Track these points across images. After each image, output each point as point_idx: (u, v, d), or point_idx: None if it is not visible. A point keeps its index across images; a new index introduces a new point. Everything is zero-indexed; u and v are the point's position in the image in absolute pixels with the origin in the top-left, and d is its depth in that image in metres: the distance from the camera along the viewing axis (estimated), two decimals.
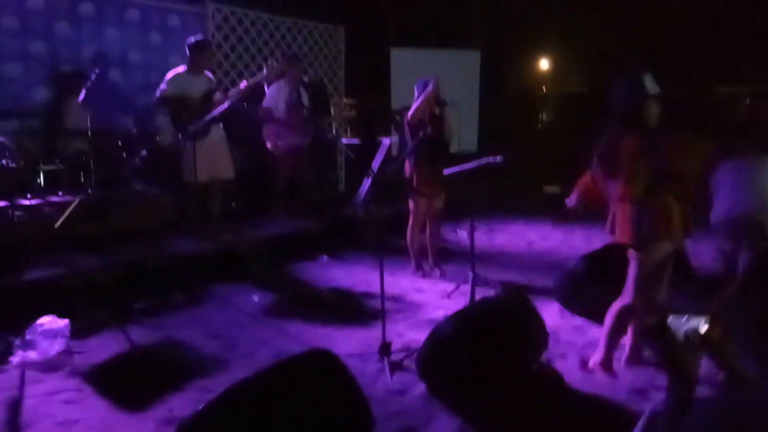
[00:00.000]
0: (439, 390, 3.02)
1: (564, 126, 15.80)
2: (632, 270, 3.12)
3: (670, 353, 1.54)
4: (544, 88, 16.04)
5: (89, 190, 4.78)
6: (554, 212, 7.76)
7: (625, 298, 3.18)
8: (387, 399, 3.12)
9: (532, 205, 8.67)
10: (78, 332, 3.79)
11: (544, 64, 17.86)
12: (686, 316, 1.62)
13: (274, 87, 6.13)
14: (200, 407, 2.24)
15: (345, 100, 9.14)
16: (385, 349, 3.50)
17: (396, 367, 3.46)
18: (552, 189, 9.34)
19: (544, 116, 17.56)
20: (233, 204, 6.39)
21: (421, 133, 4.49)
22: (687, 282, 4.20)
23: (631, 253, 3.11)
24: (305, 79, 7.35)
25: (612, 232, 3.23)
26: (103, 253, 4.45)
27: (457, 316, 3.02)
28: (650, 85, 3.02)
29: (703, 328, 1.62)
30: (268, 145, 6.21)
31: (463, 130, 8.77)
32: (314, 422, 2.35)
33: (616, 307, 3.26)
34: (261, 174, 6.55)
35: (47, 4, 6.08)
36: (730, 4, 12.72)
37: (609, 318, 3.29)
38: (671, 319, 1.64)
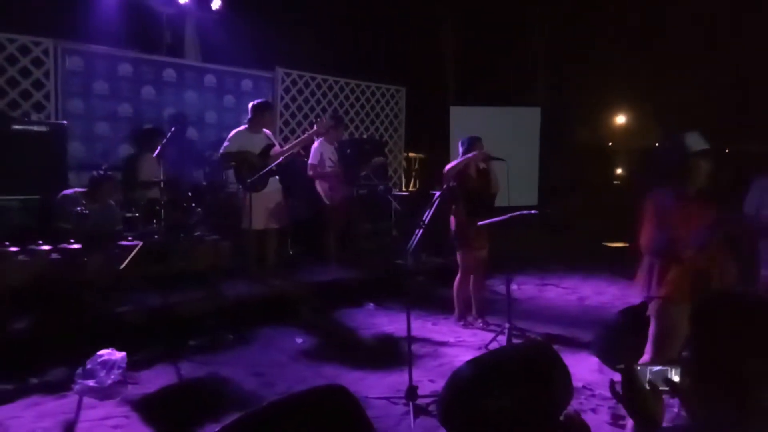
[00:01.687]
0: None
1: (638, 181, 15.42)
2: (651, 327, 3.10)
3: (636, 400, 1.59)
4: (610, 143, 15.85)
5: (155, 236, 5.23)
6: (624, 266, 7.59)
7: (645, 355, 3.14)
8: None
9: (594, 261, 8.47)
10: (134, 365, 4.11)
11: (615, 119, 17.66)
12: (661, 367, 1.65)
13: (317, 144, 6.53)
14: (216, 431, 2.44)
15: (413, 154, 9.47)
16: (411, 393, 3.58)
17: (421, 411, 3.53)
18: (617, 245, 9.11)
19: (619, 171, 17.23)
20: (290, 251, 6.74)
21: (445, 186, 4.65)
22: None
23: (650, 310, 3.09)
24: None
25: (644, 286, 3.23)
26: (164, 294, 4.83)
27: (474, 361, 3.07)
28: (694, 142, 3.00)
29: (675, 376, 1.65)
30: (323, 197, 6.57)
31: (522, 185, 8.88)
32: None
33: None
34: (315, 223, 6.90)
35: (135, 70, 6.86)
36: None
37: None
38: (641, 367, 1.68)
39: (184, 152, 6.50)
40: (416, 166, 10.64)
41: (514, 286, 6.62)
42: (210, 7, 7.81)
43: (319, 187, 6.60)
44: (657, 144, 3.45)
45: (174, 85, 7.19)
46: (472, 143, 5.13)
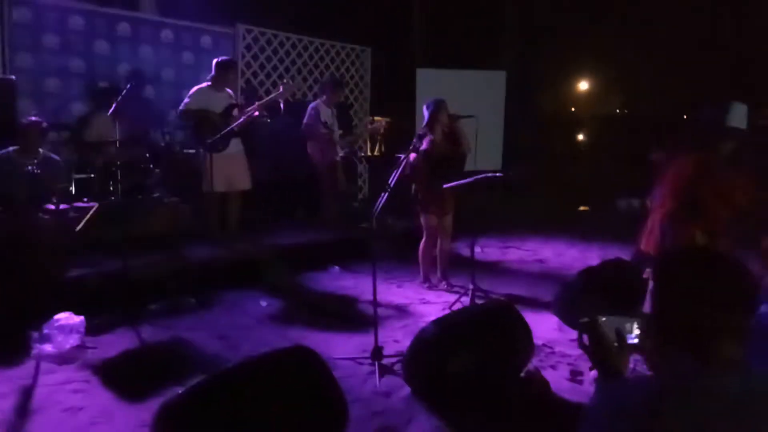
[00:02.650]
0: (421, 391, 3.11)
1: (601, 147, 15.69)
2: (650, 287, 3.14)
3: (600, 351, 1.62)
4: (573, 109, 16.02)
5: (112, 198, 5.07)
6: (584, 228, 7.78)
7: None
8: (372, 399, 3.23)
9: (555, 224, 8.64)
10: (93, 329, 4.03)
11: (581, 85, 17.78)
12: (619, 317, 1.69)
13: (315, 106, 6.47)
14: (182, 391, 2.41)
15: (378, 117, 9.38)
16: (377, 353, 3.61)
17: (386, 370, 3.56)
18: (583, 208, 9.32)
19: (581, 138, 17.47)
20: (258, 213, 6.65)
21: (412, 149, 4.62)
22: None
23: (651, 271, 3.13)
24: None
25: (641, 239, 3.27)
26: (122, 257, 4.71)
27: (438, 321, 3.12)
28: (738, 118, 2.95)
29: (636, 331, 1.69)
30: (314, 159, 6.51)
31: (487, 149, 8.91)
32: (288, 413, 2.48)
33: None
34: (281, 185, 6.82)
35: (87, 23, 6.51)
36: None
37: None
38: (605, 319, 1.71)
39: (141, 111, 6.26)
40: (382, 130, 10.53)
41: (477, 249, 6.72)
42: None
43: (311, 149, 6.50)
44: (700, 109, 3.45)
45: (129, 40, 6.85)
46: (437, 106, 5.09)
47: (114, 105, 5.24)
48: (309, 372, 2.63)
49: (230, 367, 2.49)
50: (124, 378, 3.54)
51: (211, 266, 5.23)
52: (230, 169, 5.55)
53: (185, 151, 6.34)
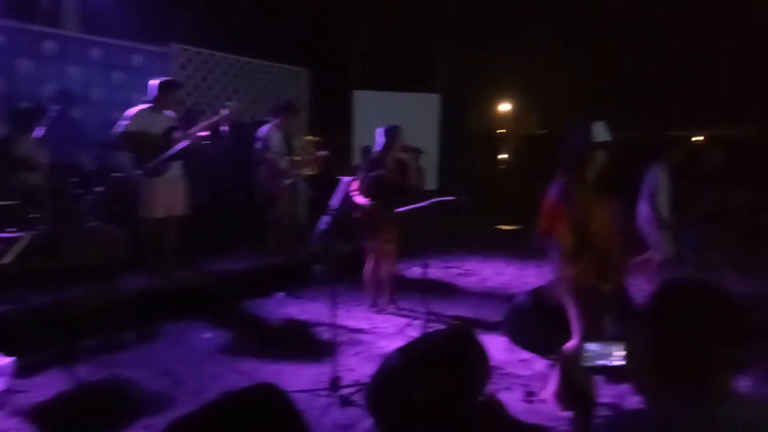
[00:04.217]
0: (385, 423, 3.07)
1: (523, 167, 16.33)
2: (571, 309, 3.26)
3: (571, 378, 1.67)
4: (504, 130, 16.61)
5: (40, 226, 4.73)
6: (519, 248, 8.01)
7: (575, 337, 3.30)
8: None
9: (490, 243, 8.87)
10: (23, 370, 3.72)
11: (504, 107, 18.47)
12: (602, 343, 1.74)
13: (267, 130, 6.33)
14: None
15: (310, 137, 9.31)
16: (334, 384, 3.55)
17: (345, 402, 3.50)
18: (510, 227, 9.60)
19: (505, 157, 18.11)
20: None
21: (371, 174, 4.63)
22: (628, 318, 4.37)
23: (563, 291, 3.26)
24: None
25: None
26: (53, 290, 4.40)
27: (403, 350, 3.11)
28: (600, 133, 3.13)
29: (620, 356, 1.75)
30: (264, 185, 6.35)
31: (424, 171, 9.06)
32: None
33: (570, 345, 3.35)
34: (220, 211, 6.62)
35: (10, 41, 6.11)
36: (678, 58, 13.53)
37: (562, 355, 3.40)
38: (587, 346, 1.76)
39: (69, 133, 5.92)
40: (312, 150, 10.45)
41: (419, 270, 6.78)
42: None
43: (262, 174, 6.33)
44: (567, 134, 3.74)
45: (55, 59, 6.48)
46: (393, 133, 5.11)
47: (42, 127, 4.93)
48: (275, 411, 2.53)
49: (192, 413, 2.36)
50: (60, 424, 3.30)
51: (149, 297, 4.98)
52: (169, 194, 5.32)
53: (118, 175, 6.03)
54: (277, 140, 6.30)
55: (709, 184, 5.62)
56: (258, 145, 6.30)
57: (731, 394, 1.31)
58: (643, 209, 5.50)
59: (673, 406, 1.33)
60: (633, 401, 3.04)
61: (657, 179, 5.42)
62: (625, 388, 3.40)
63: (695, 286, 1.45)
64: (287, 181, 6.46)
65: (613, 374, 1.84)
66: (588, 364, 1.77)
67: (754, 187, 6.80)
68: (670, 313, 1.39)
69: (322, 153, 6.92)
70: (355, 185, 5.06)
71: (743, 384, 2.67)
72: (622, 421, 1.43)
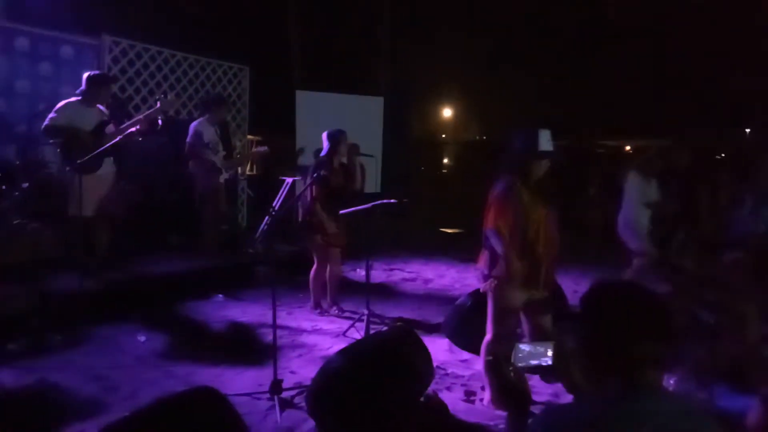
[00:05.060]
0: (326, 425, 3.04)
1: (463, 171, 16.70)
2: (489, 307, 3.37)
3: (504, 377, 1.73)
4: (444, 135, 16.92)
5: None
6: (460, 251, 8.13)
7: (488, 333, 3.41)
8: None
9: (432, 246, 8.98)
10: None
11: (445, 112, 18.82)
12: (533, 343, 1.80)
13: (198, 124, 6.15)
14: None
15: (251, 136, 9.16)
16: (275, 386, 3.49)
17: (287, 404, 3.45)
18: (452, 231, 9.75)
19: (446, 162, 18.46)
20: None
21: (315, 175, 4.59)
22: (563, 318, 4.52)
23: (487, 288, 3.36)
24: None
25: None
26: None
27: (345, 352, 3.09)
28: (545, 142, 3.22)
29: (549, 356, 1.81)
30: (197, 181, 6.14)
31: (367, 172, 9.08)
32: None
33: (484, 342, 3.47)
34: (154, 209, 6.39)
35: None
36: (618, 66, 14.18)
37: (482, 353, 3.50)
38: (518, 346, 1.81)
39: None
40: (252, 148, 10.29)
41: (361, 271, 6.80)
42: None
43: (193, 170, 6.12)
44: (510, 138, 3.79)
45: None
46: (338, 137, 5.09)
47: None
48: (214, 415, 2.46)
49: (126, 417, 2.26)
50: None
51: (78, 298, 4.71)
52: (101, 192, 5.09)
53: (46, 171, 5.72)
54: (209, 135, 6.15)
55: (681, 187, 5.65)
56: (188, 139, 6.12)
57: (657, 390, 1.39)
58: (624, 216, 5.48)
59: (602, 401, 1.38)
60: (568, 399, 3.15)
61: (634, 185, 5.41)
62: (560, 386, 3.53)
63: (623, 286, 1.53)
64: (221, 178, 6.29)
65: (546, 373, 1.90)
66: (520, 364, 1.83)
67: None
68: (599, 312, 1.45)
69: (261, 148, 6.81)
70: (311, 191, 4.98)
71: (668, 382, 2.81)
72: (553, 417, 1.48)
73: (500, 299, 3.34)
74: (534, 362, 1.82)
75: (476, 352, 4.35)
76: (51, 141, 5.07)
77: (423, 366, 3.39)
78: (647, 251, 5.35)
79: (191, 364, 4.07)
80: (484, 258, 3.47)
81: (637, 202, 5.38)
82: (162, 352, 4.33)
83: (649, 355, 1.39)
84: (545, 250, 3.30)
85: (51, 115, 4.92)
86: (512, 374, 2.00)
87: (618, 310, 1.43)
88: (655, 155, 5.58)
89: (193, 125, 6.17)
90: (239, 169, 8.16)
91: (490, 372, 3.48)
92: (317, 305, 5.38)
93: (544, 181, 3.36)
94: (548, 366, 1.88)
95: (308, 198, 5.00)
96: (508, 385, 2.68)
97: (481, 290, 3.52)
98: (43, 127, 4.92)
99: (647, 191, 5.37)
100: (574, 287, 6.46)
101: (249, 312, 5.29)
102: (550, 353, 1.80)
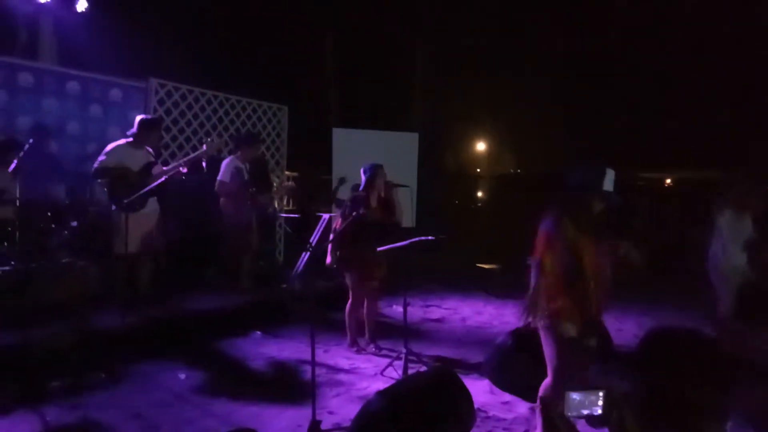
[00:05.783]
0: None
1: (498, 205, 16.57)
2: (547, 348, 3.24)
3: (553, 425, 1.66)
4: (478, 169, 16.89)
5: (12, 262, 4.59)
6: (498, 287, 8.01)
7: (548, 378, 3.28)
8: None
9: (469, 282, 8.87)
10: None
11: (479, 146, 18.82)
12: (584, 392, 1.73)
13: (229, 162, 6.26)
14: None
15: (288, 172, 9.34)
16: (314, 428, 3.45)
17: None
18: (489, 266, 9.62)
19: (480, 195, 18.37)
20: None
21: (354, 214, 4.61)
22: (607, 359, 4.37)
23: (542, 328, 3.24)
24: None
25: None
26: (22, 328, 4.24)
27: (385, 393, 3.05)
28: (608, 182, 3.09)
29: (600, 404, 1.74)
30: (227, 217, 6.23)
31: (402, 207, 9.11)
32: None
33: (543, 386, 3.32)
34: (195, 246, 6.51)
35: None
36: (654, 99, 14.03)
37: (540, 393, 3.36)
38: (569, 395, 1.75)
39: (43, 167, 5.80)
40: (291, 183, 10.48)
41: (398, 308, 6.74)
42: (73, 8, 7.14)
43: (224, 206, 6.23)
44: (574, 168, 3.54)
45: (31, 91, 6.40)
46: (374, 171, 5.13)
47: (15, 161, 4.83)
48: None
49: None
50: None
51: (121, 336, 4.81)
52: (145, 229, 5.23)
53: (93, 209, 5.91)
54: (238, 172, 6.26)
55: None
56: (219, 177, 6.23)
57: None
58: (714, 255, 4.63)
59: None
60: None
61: (726, 222, 4.58)
62: None
63: (682, 334, 1.47)
64: (251, 215, 6.35)
65: (596, 422, 1.82)
66: (572, 413, 1.76)
67: None
68: (660, 362, 1.40)
69: (287, 183, 6.89)
70: (338, 223, 5.01)
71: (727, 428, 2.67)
72: None
73: (559, 338, 3.19)
74: (585, 411, 1.75)
75: (518, 393, 4.24)
76: (99, 181, 5.26)
77: (464, 408, 3.32)
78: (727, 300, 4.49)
79: (230, 403, 4.07)
80: (534, 292, 3.36)
81: (728, 240, 4.55)
82: (201, 389, 4.35)
83: (708, 405, 1.33)
84: (595, 288, 3.19)
85: (101, 157, 5.12)
86: (561, 422, 1.94)
87: (675, 357, 1.38)
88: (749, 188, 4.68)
89: (224, 162, 6.29)
90: (276, 204, 8.30)
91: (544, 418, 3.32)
92: (354, 343, 5.34)
93: (600, 219, 3.24)
94: (599, 415, 1.81)
95: (345, 234, 5.00)
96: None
97: (532, 325, 3.39)
98: (93, 169, 5.12)
99: (740, 228, 4.55)
100: (618, 325, 6.28)
101: (286, 349, 5.29)
102: (601, 402, 1.73)
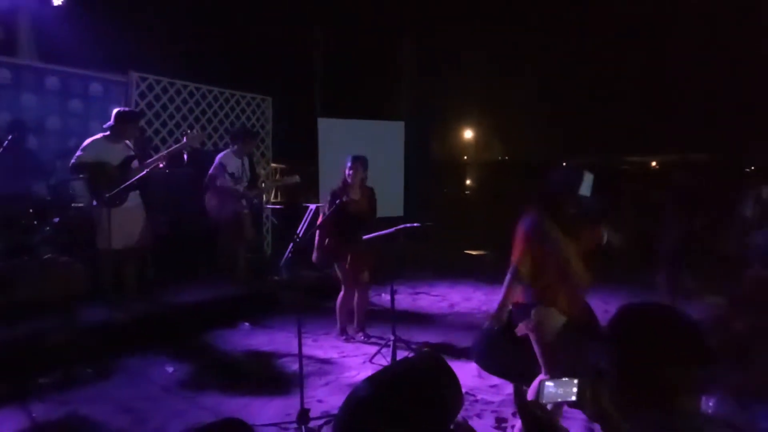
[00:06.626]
0: None
1: (486, 192, 16.60)
2: (535, 347, 3.27)
3: (529, 412, 1.69)
4: (466, 157, 16.90)
5: None
6: (486, 273, 8.03)
7: (542, 373, 3.30)
8: None
9: (457, 268, 8.89)
10: None
11: (467, 134, 18.82)
12: (559, 380, 1.75)
13: (223, 156, 6.20)
14: None
15: (275, 164, 9.28)
16: (302, 416, 3.46)
17: None
18: (478, 252, 9.65)
19: (468, 183, 18.40)
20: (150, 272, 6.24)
21: (338, 201, 4.60)
22: (594, 339, 4.41)
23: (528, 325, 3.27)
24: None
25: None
26: (7, 325, 4.21)
27: (372, 379, 3.04)
28: (585, 187, 3.11)
29: (575, 390, 1.76)
30: (210, 211, 6.17)
31: (389, 197, 9.10)
32: None
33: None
34: (181, 240, 6.47)
35: None
36: (637, 83, 14.09)
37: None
38: (544, 383, 1.76)
39: (22, 163, 5.73)
40: (277, 176, 10.42)
41: (386, 297, 6.74)
42: (50, 2, 7.03)
43: (208, 199, 6.18)
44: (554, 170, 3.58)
45: (9, 87, 6.31)
46: (358, 163, 5.10)
47: None
48: None
49: None
50: None
51: (108, 331, 4.80)
52: (129, 224, 5.18)
53: (75, 205, 5.85)
54: (233, 166, 6.21)
55: None
56: (210, 170, 6.18)
57: (697, 415, 1.33)
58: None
59: (640, 430, 1.33)
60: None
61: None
62: None
63: (653, 309, 1.47)
64: (240, 208, 6.28)
65: (571, 403, 1.84)
66: (546, 401, 1.77)
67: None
68: (634, 339, 1.40)
69: (291, 178, 6.83)
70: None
71: (707, 405, 2.71)
72: None
73: (547, 329, 3.24)
74: (560, 401, 1.77)
75: (506, 377, 4.27)
76: (79, 176, 5.20)
77: (452, 392, 3.32)
78: None
79: (219, 394, 4.07)
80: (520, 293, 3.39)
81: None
82: (190, 382, 4.35)
83: (685, 380, 1.34)
84: (578, 283, 3.22)
85: (78, 153, 5.06)
86: (540, 412, 1.94)
87: (650, 334, 1.39)
88: None
89: (218, 157, 6.25)
90: (264, 197, 8.25)
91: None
92: (343, 331, 5.35)
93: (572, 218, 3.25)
94: (573, 401, 1.82)
95: (329, 224, 4.99)
96: (538, 423, 2.60)
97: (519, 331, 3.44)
98: (70, 164, 5.06)
99: None
100: (604, 307, 6.32)
101: (275, 340, 5.29)
102: (575, 389, 1.75)
